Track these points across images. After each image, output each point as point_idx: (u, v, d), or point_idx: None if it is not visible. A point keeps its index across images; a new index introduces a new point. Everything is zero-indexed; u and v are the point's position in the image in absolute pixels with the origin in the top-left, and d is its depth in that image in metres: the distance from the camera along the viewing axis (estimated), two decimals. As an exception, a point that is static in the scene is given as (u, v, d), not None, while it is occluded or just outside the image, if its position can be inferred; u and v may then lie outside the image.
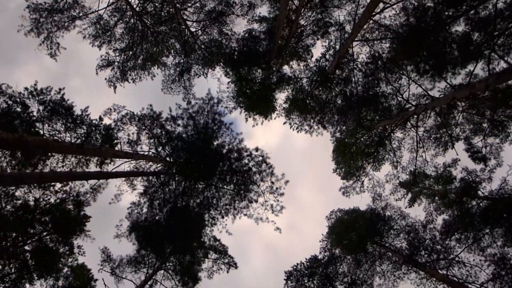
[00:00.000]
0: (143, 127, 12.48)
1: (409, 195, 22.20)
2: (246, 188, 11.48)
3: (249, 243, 59.89)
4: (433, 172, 21.32)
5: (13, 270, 16.00)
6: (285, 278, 16.48)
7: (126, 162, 11.92)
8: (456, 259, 14.42)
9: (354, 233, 17.43)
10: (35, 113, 10.63)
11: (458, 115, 19.80)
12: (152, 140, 12.83)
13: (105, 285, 11.48)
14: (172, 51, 19.67)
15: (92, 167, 14.65)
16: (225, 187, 11.99)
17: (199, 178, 12.62)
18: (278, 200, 11.80)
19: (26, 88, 10.06)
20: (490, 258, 13.97)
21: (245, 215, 11.96)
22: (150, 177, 12.57)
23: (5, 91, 9.89)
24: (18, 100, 9.98)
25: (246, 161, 11.29)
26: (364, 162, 19.73)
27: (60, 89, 11.66)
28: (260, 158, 11.43)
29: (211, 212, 12.41)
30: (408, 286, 16.65)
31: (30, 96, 10.05)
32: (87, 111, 12.87)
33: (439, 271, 14.12)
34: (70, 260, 17.71)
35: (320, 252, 18.53)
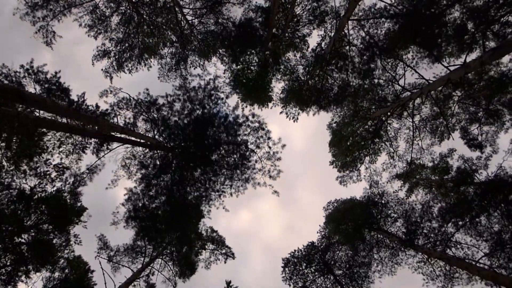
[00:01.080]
0: (140, 111, 12.45)
1: (406, 186, 22.28)
2: (244, 160, 11.55)
3: (249, 246, 59.72)
4: (429, 162, 21.40)
5: (8, 263, 15.86)
6: (283, 265, 16.45)
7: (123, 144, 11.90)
8: (454, 239, 14.45)
9: (351, 220, 17.40)
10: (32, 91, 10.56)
11: (454, 105, 19.95)
12: (149, 126, 12.80)
13: (102, 269, 11.41)
14: (168, 43, 19.67)
15: (89, 154, 14.59)
16: (223, 165, 12.02)
17: (197, 161, 12.62)
18: (275, 165, 11.97)
19: (22, 66, 9.98)
20: (487, 237, 14.02)
21: (243, 180, 12.03)
22: (147, 159, 12.54)
23: (1, 70, 9.81)
24: (14, 79, 9.91)
25: (244, 127, 11.35)
26: (361, 153, 19.77)
27: (56, 72, 11.61)
28: (257, 124, 11.50)
29: (208, 191, 12.42)
30: (407, 271, 16.68)
31: (26, 74, 9.99)
32: (83, 96, 12.82)
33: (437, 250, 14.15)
34: (66, 251, 17.58)
35: (318, 242, 18.51)
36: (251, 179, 12.11)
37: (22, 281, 15.95)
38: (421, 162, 21.46)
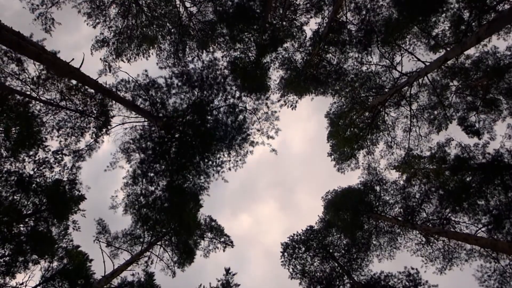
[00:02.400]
0: (139, 94, 12.48)
1: (404, 176, 22.31)
2: (242, 133, 11.62)
3: (249, 250, 59.38)
4: (427, 151, 21.42)
5: (7, 253, 15.79)
6: (282, 250, 16.42)
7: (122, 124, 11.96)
8: (452, 218, 14.50)
9: (350, 207, 17.39)
10: (32, 73, 10.63)
11: (451, 96, 20.09)
12: (148, 108, 12.82)
13: (101, 249, 11.40)
14: (166, 35, 19.74)
15: (87, 139, 14.61)
16: (223, 143, 12.09)
17: (196, 149, 12.66)
18: (274, 125, 12.10)
19: (22, 41, 10.05)
20: (485, 217, 14.07)
21: (242, 154, 12.14)
22: (147, 136, 12.56)
23: (1, 47, 9.87)
24: (13, 56, 9.97)
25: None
26: (359, 143, 19.80)
27: (55, 52, 11.69)
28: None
29: (207, 167, 12.45)
30: (406, 254, 16.69)
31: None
32: (82, 60, 12.84)
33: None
34: (65, 241, 17.53)
35: (317, 225, 18.54)
36: (249, 151, 12.23)
37: (21, 272, 15.88)
38: (419, 153, 21.49)
